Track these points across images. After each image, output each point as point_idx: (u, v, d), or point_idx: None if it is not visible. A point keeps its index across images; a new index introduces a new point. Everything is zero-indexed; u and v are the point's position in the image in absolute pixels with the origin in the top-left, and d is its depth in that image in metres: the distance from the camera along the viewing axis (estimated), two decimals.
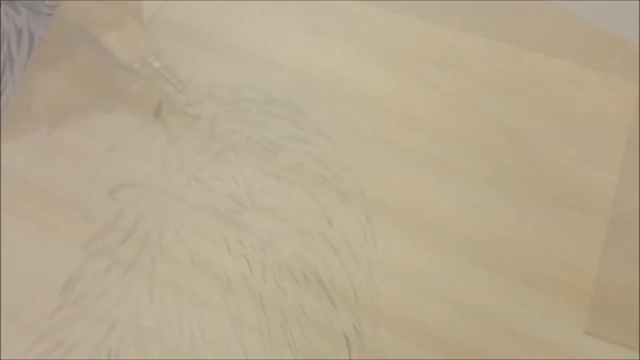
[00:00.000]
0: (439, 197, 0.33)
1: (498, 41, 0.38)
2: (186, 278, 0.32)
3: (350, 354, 0.30)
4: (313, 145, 0.34)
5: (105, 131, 0.35)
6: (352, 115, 0.35)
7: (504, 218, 0.33)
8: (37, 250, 0.33)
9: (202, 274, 0.32)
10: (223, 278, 0.32)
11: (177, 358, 0.30)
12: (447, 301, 0.31)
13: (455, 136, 0.35)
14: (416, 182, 0.34)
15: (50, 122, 0.36)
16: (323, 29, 0.37)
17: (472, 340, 0.30)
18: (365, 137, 0.35)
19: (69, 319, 0.31)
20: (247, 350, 0.30)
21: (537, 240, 0.32)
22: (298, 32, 0.37)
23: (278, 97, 0.36)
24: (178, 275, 0.32)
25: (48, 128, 0.36)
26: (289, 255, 0.32)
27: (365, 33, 0.37)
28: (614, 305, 0.31)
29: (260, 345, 0.30)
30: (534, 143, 0.35)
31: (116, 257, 0.33)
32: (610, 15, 0.38)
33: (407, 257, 0.32)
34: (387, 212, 0.33)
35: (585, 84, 0.36)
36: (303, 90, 0.36)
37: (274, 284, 0.32)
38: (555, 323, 0.30)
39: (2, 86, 0.29)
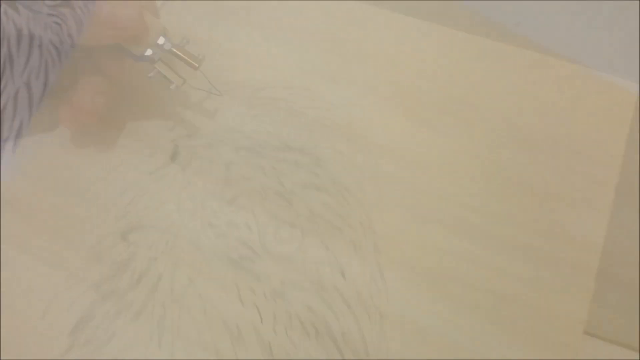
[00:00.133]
0: (453, 253, 0.33)
1: (498, 41, 0.38)
2: (196, 325, 0.32)
3: None
4: (329, 195, 0.34)
5: (121, 172, 0.36)
6: (368, 166, 0.35)
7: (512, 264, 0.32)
8: (48, 289, 0.33)
9: (213, 322, 0.32)
10: (233, 327, 0.31)
11: None
12: (460, 357, 0.30)
13: (470, 194, 0.35)
14: (431, 238, 0.33)
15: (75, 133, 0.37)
16: (341, 78, 0.37)
17: None
18: (381, 189, 0.35)
19: None
20: None
21: (538, 241, 0.32)
22: (317, 80, 0.37)
23: (294, 144, 0.35)
24: (188, 321, 0.32)
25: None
26: (301, 306, 0.32)
27: (382, 84, 0.37)
28: (614, 305, 0.31)
29: None
30: (534, 143, 0.35)
31: (127, 300, 0.32)
32: (611, 15, 0.39)
33: (420, 313, 0.31)
34: (401, 267, 0.32)
35: (586, 84, 0.36)
36: (320, 139, 0.36)
37: (284, 335, 0.31)
38: (555, 323, 0.30)
39: (2, 86, 0.29)
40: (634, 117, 0.36)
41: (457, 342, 0.31)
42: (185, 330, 0.32)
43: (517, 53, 0.38)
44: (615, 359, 0.30)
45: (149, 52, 0.34)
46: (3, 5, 0.28)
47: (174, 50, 0.34)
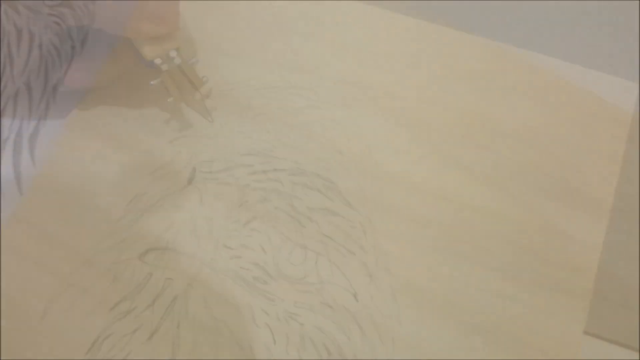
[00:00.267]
0: (464, 280, 0.33)
1: (498, 41, 0.39)
2: (210, 345, 0.32)
3: None
4: (342, 218, 0.35)
5: (138, 194, 0.36)
6: (382, 190, 0.35)
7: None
8: (66, 308, 0.34)
9: (226, 343, 0.32)
10: (247, 348, 0.32)
11: None
12: None
13: (483, 224, 0.35)
14: (443, 263, 0.34)
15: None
16: (354, 103, 0.38)
17: None
18: (394, 213, 0.35)
19: None
20: None
21: (538, 242, 0.33)
22: (331, 107, 0.38)
23: (309, 168, 0.36)
24: (202, 342, 0.32)
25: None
26: (313, 328, 0.32)
27: (397, 109, 0.38)
28: (614, 305, 0.31)
29: None
30: (534, 143, 0.36)
31: (142, 320, 0.33)
32: (611, 16, 0.39)
33: (431, 337, 0.32)
34: (413, 291, 0.33)
35: (586, 84, 0.37)
36: (334, 163, 0.36)
37: (297, 356, 0.32)
38: (556, 323, 0.30)
39: (2, 86, 0.29)
40: (634, 116, 0.36)
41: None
42: (199, 350, 0.32)
43: (517, 53, 0.38)
44: (615, 359, 0.30)
45: (158, 60, 0.35)
46: (3, 5, 0.29)
47: (182, 67, 0.35)
